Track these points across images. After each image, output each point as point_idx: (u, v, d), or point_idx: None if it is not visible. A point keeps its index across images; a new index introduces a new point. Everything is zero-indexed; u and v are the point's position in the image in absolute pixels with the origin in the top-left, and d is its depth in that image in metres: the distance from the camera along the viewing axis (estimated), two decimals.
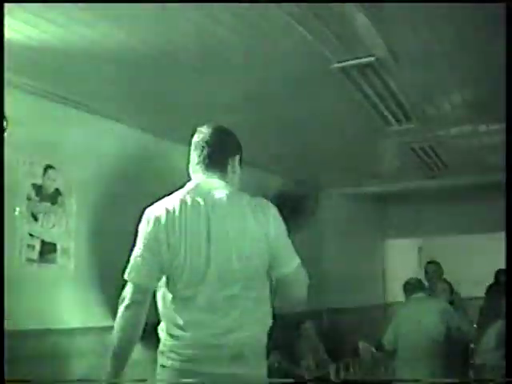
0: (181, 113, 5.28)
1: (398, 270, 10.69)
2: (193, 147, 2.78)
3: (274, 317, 2.75)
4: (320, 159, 7.37)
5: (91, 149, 5.11)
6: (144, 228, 2.63)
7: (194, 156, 2.76)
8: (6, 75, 4.15)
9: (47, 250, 4.62)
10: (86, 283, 4.93)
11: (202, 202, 2.59)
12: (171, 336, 2.61)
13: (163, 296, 2.65)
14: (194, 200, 2.59)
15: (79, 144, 4.98)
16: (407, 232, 10.64)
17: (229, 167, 2.71)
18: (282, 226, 2.65)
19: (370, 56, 4.04)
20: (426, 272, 6.79)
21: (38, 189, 4.60)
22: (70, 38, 3.69)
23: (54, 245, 4.69)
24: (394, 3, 3.29)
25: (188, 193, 2.65)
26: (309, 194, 7.43)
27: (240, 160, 2.75)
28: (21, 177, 4.49)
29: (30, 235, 4.50)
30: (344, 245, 9.29)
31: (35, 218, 4.55)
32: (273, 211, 2.64)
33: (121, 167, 5.34)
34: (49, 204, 4.68)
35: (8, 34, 3.55)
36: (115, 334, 2.60)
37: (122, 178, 5.32)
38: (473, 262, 10.31)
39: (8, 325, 4.07)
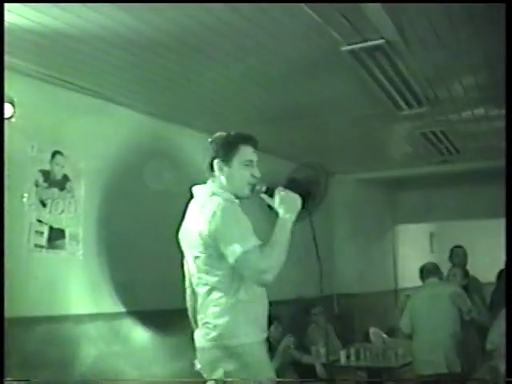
0: (191, 98, 5.24)
1: (409, 255, 10.64)
2: None
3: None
4: (330, 144, 7.33)
5: (100, 135, 5.09)
6: None
7: None
8: (15, 61, 4.15)
9: (56, 236, 4.61)
10: (95, 269, 4.93)
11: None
12: None
13: None
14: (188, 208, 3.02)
15: (88, 130, 4.95)
16: (418, 217, 10.57)
17: (214, 172, 2.99)
18: (223, 221, 2.77)
19: (379, 39, 3.99)
20: (455, 255, 6.75)
21: (46, 175, 4.58)
22: (79, 23, 3.65)
23: (63, 231, 4.68)
24: None
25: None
26: (319, 179, 7.37)
27: (223, 162, 2.96)
28: (29, 163, 4.47)
29: (39, 221, 4.49)
30: (354, 230, 9.25)
31: (43, 204, 4.54)
32: (215, 208, 2.79)
33: (130, 153, 5.31)
34: (57, 190, 4.66)
35: (17, 19, 3.53)
36: None
37: (130, 164, 5.29)
38: (485, 247, 10.22)
39: (16, 311, 4.10)
